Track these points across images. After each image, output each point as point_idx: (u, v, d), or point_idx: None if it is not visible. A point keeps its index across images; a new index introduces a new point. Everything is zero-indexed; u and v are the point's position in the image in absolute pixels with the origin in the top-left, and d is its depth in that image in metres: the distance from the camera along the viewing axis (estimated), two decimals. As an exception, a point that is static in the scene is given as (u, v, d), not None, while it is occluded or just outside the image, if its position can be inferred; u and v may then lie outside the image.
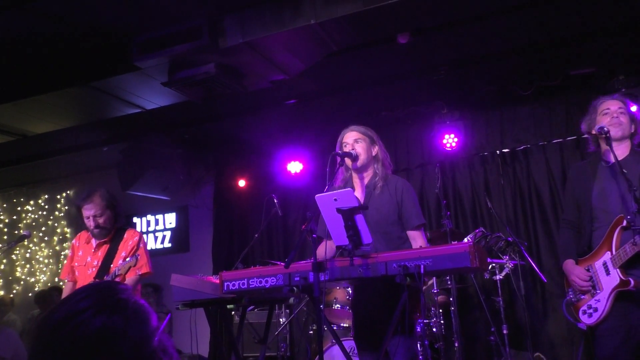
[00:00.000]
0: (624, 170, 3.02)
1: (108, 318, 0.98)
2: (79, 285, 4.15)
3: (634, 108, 5.27)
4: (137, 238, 4.15)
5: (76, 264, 4.25)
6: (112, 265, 4.07)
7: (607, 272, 3.02)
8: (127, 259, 3.93)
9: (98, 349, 0.96)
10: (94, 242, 4.23)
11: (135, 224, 8.31)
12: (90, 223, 4.09)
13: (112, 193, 4.19)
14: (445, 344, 4.94)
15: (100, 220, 4.07)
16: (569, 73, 5.75)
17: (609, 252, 3.03)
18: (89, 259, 4.20)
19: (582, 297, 3.12)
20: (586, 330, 3.12)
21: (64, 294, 4.28)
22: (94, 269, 4.11)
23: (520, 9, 4.56)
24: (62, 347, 0.96)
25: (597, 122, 3.24)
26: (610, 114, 3.22)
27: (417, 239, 3.28)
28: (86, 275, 4.13)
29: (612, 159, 3.12)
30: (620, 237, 2.99)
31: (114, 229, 4.19)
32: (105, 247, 4.17)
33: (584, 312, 3.10)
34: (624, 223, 2.98)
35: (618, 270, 2.97)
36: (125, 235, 4.16)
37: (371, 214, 3.19)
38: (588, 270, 3.12)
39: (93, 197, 4.07)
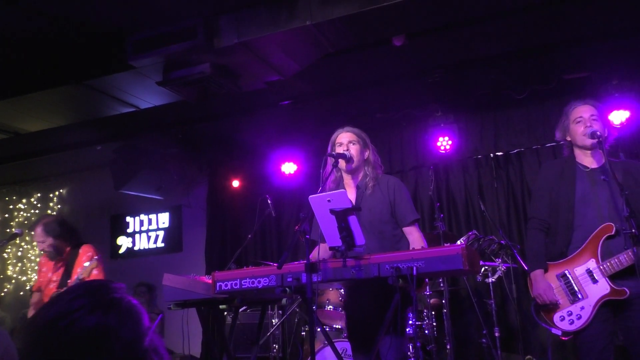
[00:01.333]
0: (603, 177, 3.02)
1: (102, 317, 0.99)
2: (45, 298, 4.38)
3: (623, 114, 5.30)
4: (90, 253, 4.31)
5: (41, 279, 4.47)
6: (69, 281, 4.25)
7: (594, 281, 2.98)
8: (86, 263, 4.12)
9: (91, 346, 0.96)
10: (55, 259, 4.43)
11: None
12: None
13: (61, 222, 4.41)
14: (437, 346, 4.95)
15: (44, 246, 4.34)
16: (563, 77, 5.78)
17: (593, 260, 2.98)
18: (50, 274, 4.41)
19: (559, 302, 3.05)
20: (560, 335, 3.07)
21: (33, 302, 4.47)
22: (53, 284, 4.32)
23: (515, 13, 4.58)
24: (55, 344, 0.96)
25: (570, 130, 3.22)
26: (584, 122, 3.16)
27: (413, 233, 3.30)
28: (48, 290, 4.34)
29: (591, 165, 3.13)
30: (604, 246, 2.96)
31: (68, 247, 4.38)
32: (61, 268, 4.37)
33: (563, 319, 3.03)
34: (613, 232, 2.94)
35: (607, 279, 2.94)
36: (80, 251, 4.35)
37: (364, 214, 3.20)
38: (564, 275, 3.06)
39: (36, 226, 4.37)
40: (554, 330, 3.07)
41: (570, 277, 3.05)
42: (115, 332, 0.98)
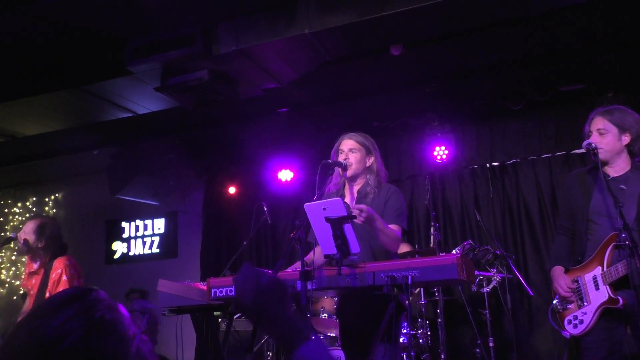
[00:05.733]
0: (622, 187, 3.04)
1: (83, 336, 0.98)
2: (30, 299, 4.32)
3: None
4: (60, 270, 4.14)
5: (24, 283, 4.42)
6: (46, 296, 4.22)
7: (597, 287, 3.03)
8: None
9: None
10: (34, 265, 4.32)
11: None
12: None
13: (56, 229, 4.29)
14: (431, 355, 4.94)
15: (22, 236, 4.19)
16: (559, 89, 5.81)
17: (600, 268, 3.03)
18: (32, 280, 4.32)
19: (569, 306, 3.14)
20: (569, 339, 3.14)
21: (25, 310, 4.43)
22: (31, 292, 4.26)
23: (512, 24, 4.61)
24: None
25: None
26: (591, 138, 3.16)
27: None
28: (30, 295, 4.29)
29: (612, 174, 3.13)
30: (613, 254, 2.99)
31: (43, 257, 4.24)
32: (38, 278, 4.24)
33: (570, 322, 3.12)
34: (617, 241, 2.96)
35: (608, 287, 2.98)
36: (54, 265, 4.19)
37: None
38: (577, 280, 3.13)
39: (33, 219, 4.29)
40: (564, 333, 3.16)
41: (580, 283, 3.12)
42: (100, 353, 0.98)
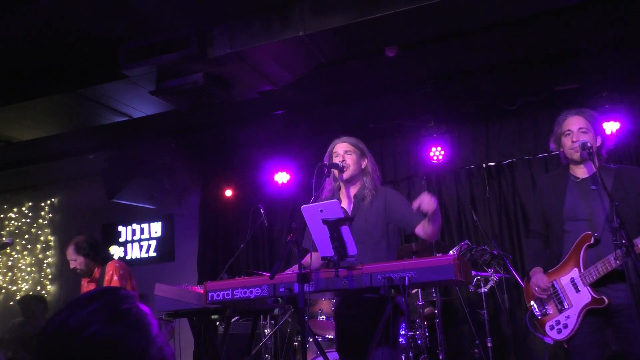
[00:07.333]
0: (593, 187, 3.04)
1: (110, 328, 1.03)
2: None
3: (613, 126, 5.31)
4: (111, 272, 4.49)
5: None
6: None
7: (577, 289, 3.01)
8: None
9: (99, 357, 1.01)
10: (91, 276, 4.64)
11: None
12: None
13: (90, 241, 4.56)
14: (429, 356, 4.94)
15: (75, 264, 4.52)
16: (553, 89, 5.83)
17: (576, 269, 3.01)
18: (85, 289, 4.63)
19: (549, 312, 3.11)
20: (552, 344, 3.12)
21: None
22: None
23: (507, 25, 4.63)
24: (64, 354, 1.01)
25: (561, 142, 3.19)
26: (572, 136, 3.13)
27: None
28: None
29: (582, 175, 3.12)
30: (586, 255, 2.99)
31: (97, 267, 4.55)
32: (93, 285, 4.55)
33: (552, 328, 3.09)
34: (592, 241, 2.97)
35: (589, 288, 2.97)
36: (106, 269, 4.52)
37: (359, 223, 3.20)
38: (552, 285, 3.11)
39: (69, 245, 4.56)
40: (546, 339, 3.13)
41: (557, 287, 3.10)
42: (122, 343, 1.02)
